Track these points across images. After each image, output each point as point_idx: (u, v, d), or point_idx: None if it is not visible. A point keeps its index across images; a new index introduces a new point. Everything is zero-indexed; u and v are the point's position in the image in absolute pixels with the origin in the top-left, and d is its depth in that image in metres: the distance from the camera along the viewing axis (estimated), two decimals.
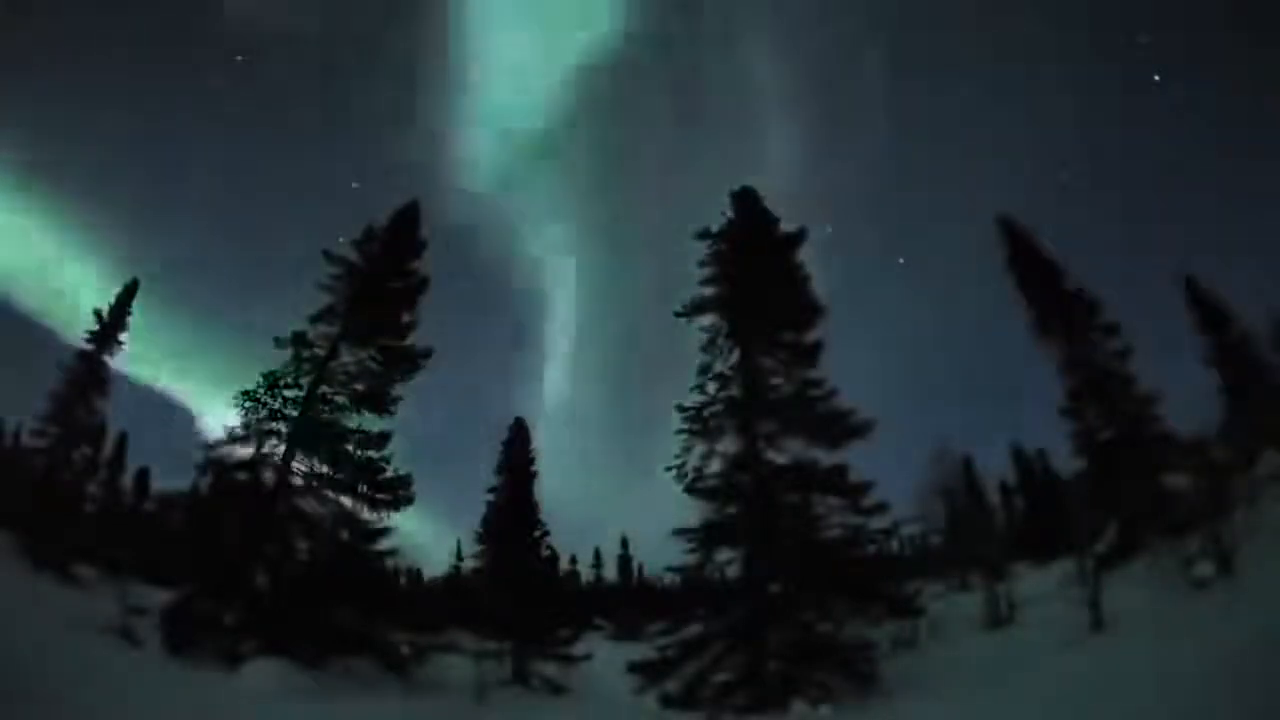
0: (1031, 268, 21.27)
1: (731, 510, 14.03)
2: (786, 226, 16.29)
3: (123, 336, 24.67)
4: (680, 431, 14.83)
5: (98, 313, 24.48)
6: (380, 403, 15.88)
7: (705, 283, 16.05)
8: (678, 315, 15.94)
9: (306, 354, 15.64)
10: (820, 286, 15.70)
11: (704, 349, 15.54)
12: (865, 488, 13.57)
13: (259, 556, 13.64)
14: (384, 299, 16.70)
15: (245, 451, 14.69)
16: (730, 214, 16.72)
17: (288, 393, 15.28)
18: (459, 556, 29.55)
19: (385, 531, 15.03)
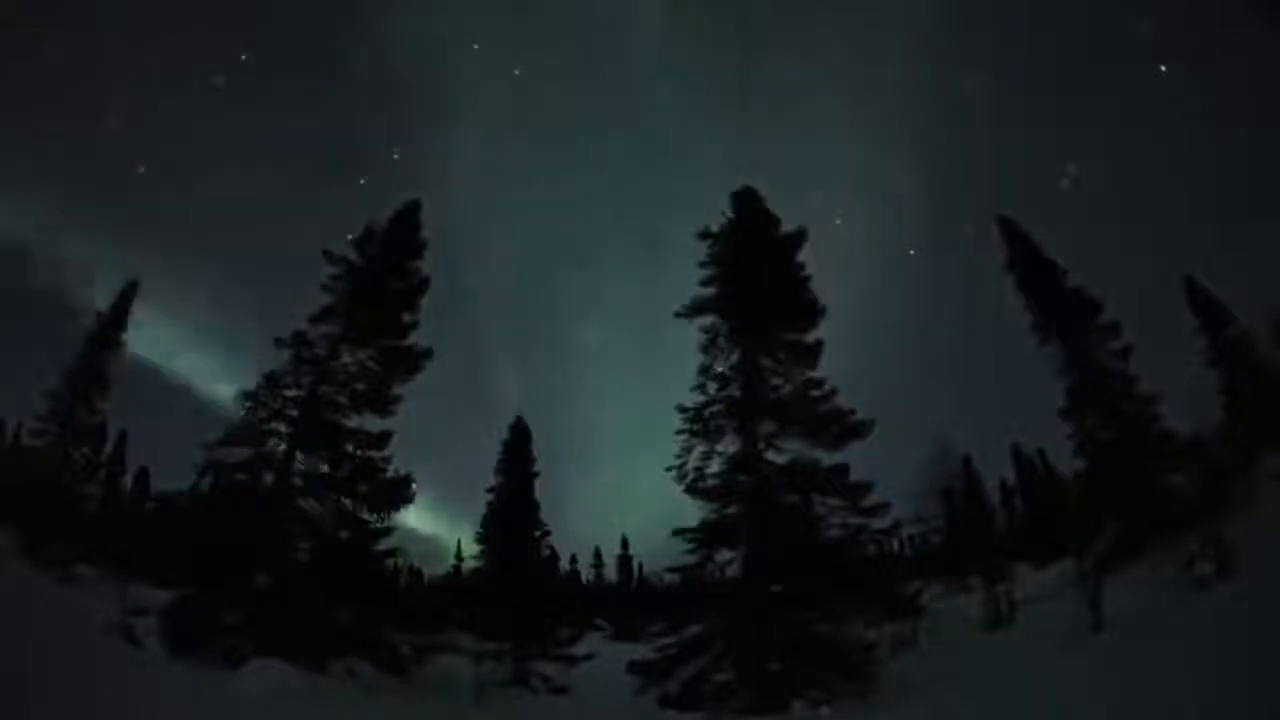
0: (1032, 268, 21.28)
1: (731, 510, 14.04)
2: (787, 226, 16.31)
3: (123, 336, 24.76)
4: (680, 431, 14.87)
5: (98, 312, 24.54)
6: (380, 403, 15.88)
7: (705, 283, 16.07)
8: (677, 315, 15.96)
9: (306, 354, 15.64)
10: (828, 281, 15.78)
11: (704, 349, 15.55)
12: (865, 488, 13.60)
13: (259, 556, 13.64)
14: (384, 299, 16.69)
15: (245, 452, 14.69)
16: (730, 214, 16.73)
17: (288, 393, 15.28)
18: (459, 556, 29.57)
19: (385, 531, 15.04)
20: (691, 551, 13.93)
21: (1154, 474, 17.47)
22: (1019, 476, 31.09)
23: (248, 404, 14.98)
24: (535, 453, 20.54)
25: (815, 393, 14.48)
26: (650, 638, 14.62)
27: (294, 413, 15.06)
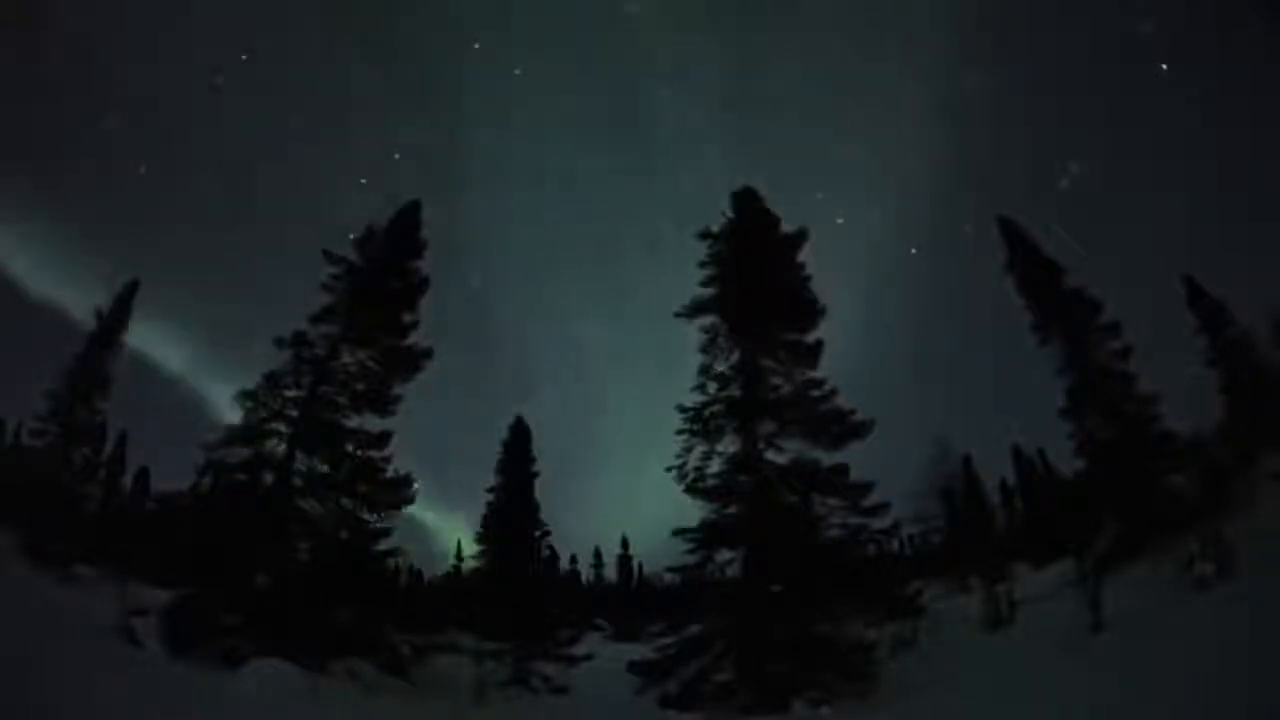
0: (1032, 268, 21.28)
1: (731, 510, 14.05)
2: (787, 226, 16.31)
3: (123, 336, 24.77)
4: (680, 431, 14.87)
5: (98, 312, 24.51)
6: (380, 403, 15.89)
7: (705, 283, 16.07)
8: (677, 315, 15.96)
9: (306, 354, 15.65)
10: (829, 280, 15.80)
11: (704, 349, 15.56)
12: (865, 488, 13.60)
13: (259, 556, 13.65)
14: (384, 299, 16.71)
15: (245, 452, 14.70)
16: (730, 214, 16.73)
17: (288, 393, 15.29)
18: (459, 556, 29.56)
19: (385, 531, 15.06)
20: (691, 551, 13.94)
21: (1154, 474, 17.46)
22: (1019, 476, 31.02)
23: (248, 404, 15.00)
24: (535, 452, 20.57)
25: (815, 393, 14.48)
26: (650, 638, 14.63)
27: (294, 413, 15.08)
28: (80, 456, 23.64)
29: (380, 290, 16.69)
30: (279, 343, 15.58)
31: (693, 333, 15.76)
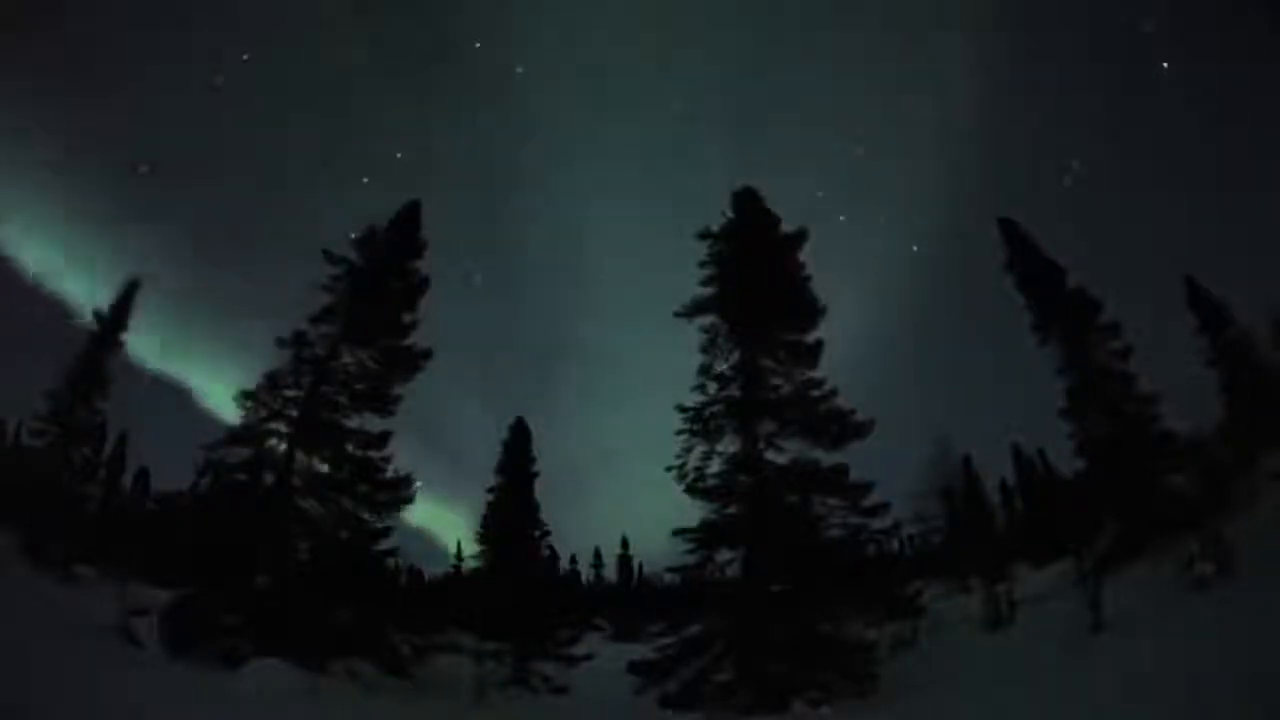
0: (1032, 268, 21.27)
1: (731, 510, 14.05)
2: (787, 226, 16.31)
3: (123, 336, 24.77)
4: (680, 431, 14.86)
5: (98, 313, 24.50)
6: (380, 403, 15.89)
7: (705, 283, 16.07)
8: (677, 315, 15.95)
9: (306, 354, 15.65)
10: (830, 280, 15.82)
11: (704, 349, 15.56)
12: (865, 488, 13.60)
13: (259, 556, 13.65)
14: (384, 299, 16.71)
15: (245, 452, 14.70)
16: (730, 214, 16.72)
17: (288, 393, 15.29)
18: (459, 556, 29.56)
19: (385, 531, 15.06)
20: (691, 551, 13.94)
21: (1154, 474, 17.45)
22: (1019, 476, 31.00)
23: (248, 404, 15.00)
24: (535, 452, 20.56)
25: (815, 393, 14.48)
26: (650, 638, 14.64)
27: (294, 413, 15.07)
28: (80, 456, 23.64)
29: (380, 290, 16.69)
30: (279, 343, 15.59)
31: (693, 333, 15.79)
